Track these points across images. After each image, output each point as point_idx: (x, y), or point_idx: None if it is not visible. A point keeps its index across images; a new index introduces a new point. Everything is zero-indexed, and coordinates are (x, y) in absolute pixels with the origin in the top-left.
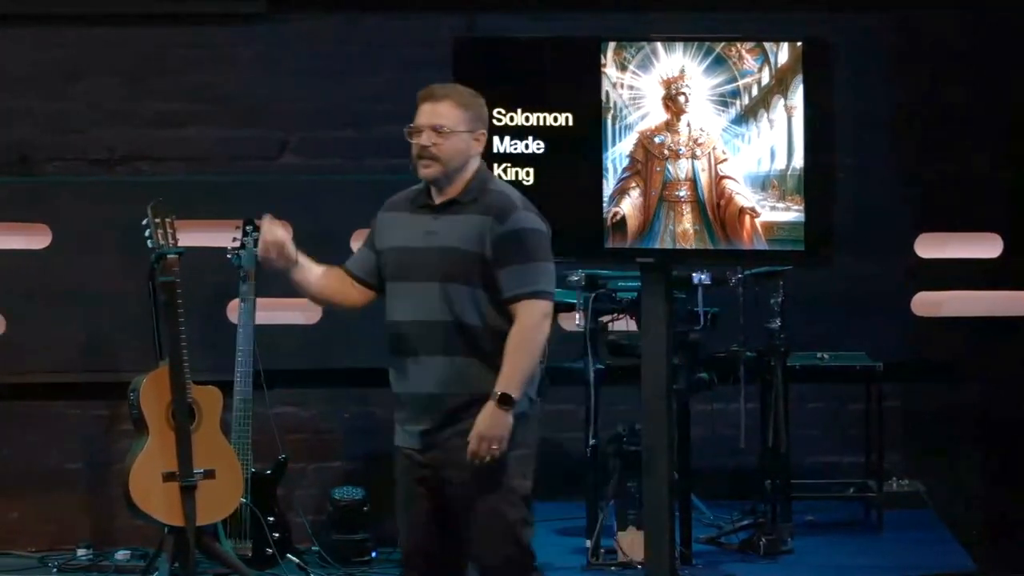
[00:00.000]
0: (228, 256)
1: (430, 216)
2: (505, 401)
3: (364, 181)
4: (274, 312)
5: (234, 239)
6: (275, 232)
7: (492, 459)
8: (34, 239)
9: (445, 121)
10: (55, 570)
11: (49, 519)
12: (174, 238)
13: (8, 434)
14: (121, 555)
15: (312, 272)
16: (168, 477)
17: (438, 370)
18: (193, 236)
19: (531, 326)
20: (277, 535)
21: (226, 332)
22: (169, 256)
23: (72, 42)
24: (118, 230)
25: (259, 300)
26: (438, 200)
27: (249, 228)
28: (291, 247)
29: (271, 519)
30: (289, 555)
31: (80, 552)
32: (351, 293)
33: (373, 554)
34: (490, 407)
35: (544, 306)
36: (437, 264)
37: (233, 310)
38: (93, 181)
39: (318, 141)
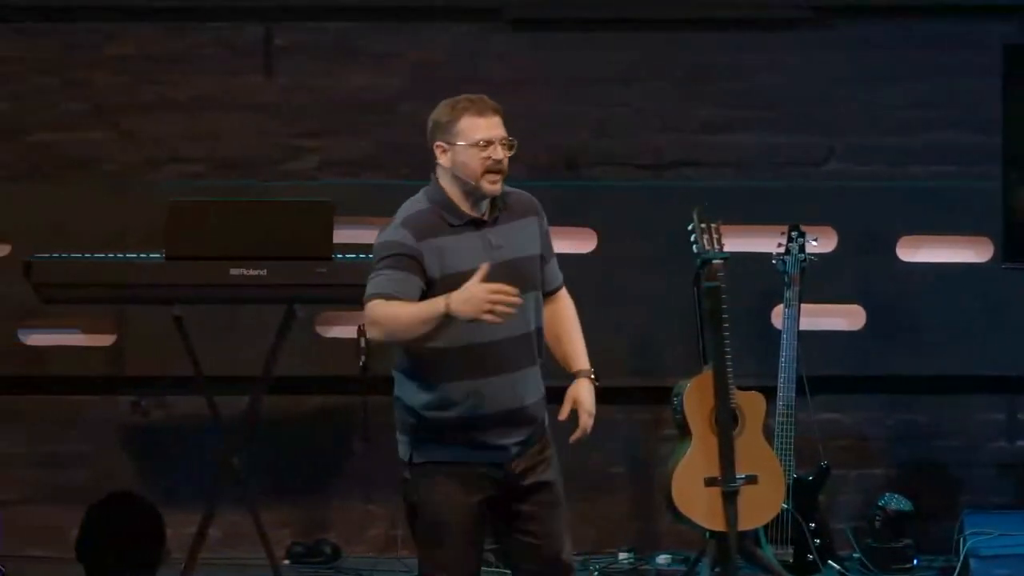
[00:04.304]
0: (773, 262)
1: (478, 232)
2: (595, 377)
3: (910, 188)
4: (818, 318)
5: (779, 244)
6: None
7: None
8: (581, 243)
9: (506, 134)
10: (596, 573)
11: (592, 522)
12: (720, 243)
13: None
14: (662, 559)
15: None
16: (710, 482)
17: (523, 381)
18: (738, 241)
19: (573, 306)
20: (818, 541)
21: (770, 338)
22: (714, 261)
23: (627, 46)
24: (664, 235)
25: (803, 306)
26: (478, 214)
27: (795, 234)
28: None
29: (812, 525)
30: (830, 561)
31: (621, 556)
32: None
33: (915, 561)
34: (588, 385)
35: None
36: (518, 276)
37: (777, 316)
38: (640, 186)
39: (864, 147)
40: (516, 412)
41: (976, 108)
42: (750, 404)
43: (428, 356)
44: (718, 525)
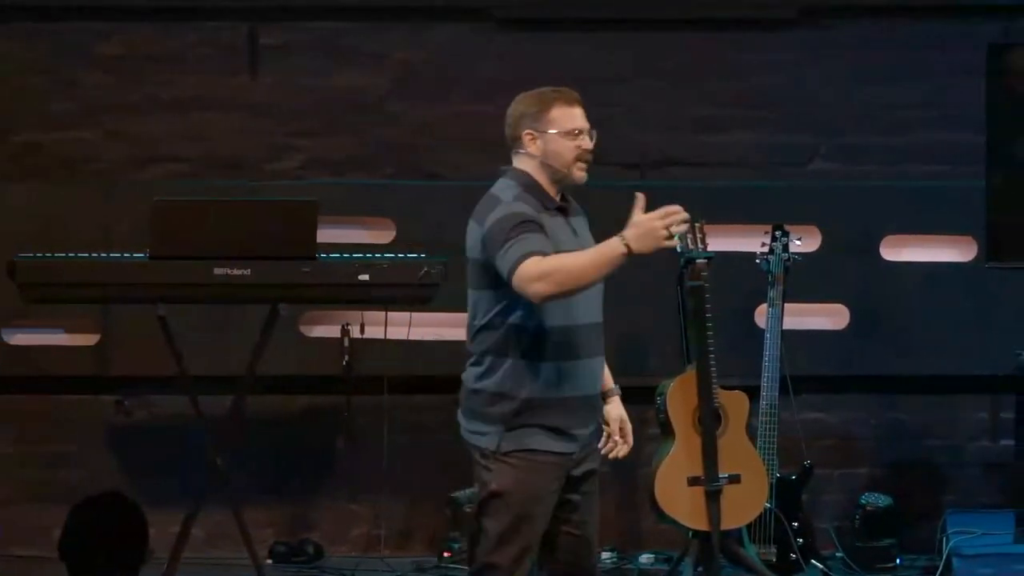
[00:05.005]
0: (757, 261)
1: (565, 218)
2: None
3: (899, 187)
4: (802, 317)
5: (763, 244)
6: None
7: None
8: None
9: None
10: None
11: None
12: (704, 243)
13: None
14: (645, 558)
15: None
16: (693, 481)
17: (599, 369)
18: (723, 241)
19: None
20: (801, 540)
21: (754, 337)
22: (698, 261)
23: (622, 46)
24: None
25: (787, 305)
26: (561, 202)
27: (778, 233)
28: None
29: (795, 524)
30: (813, 560)
31: (604, 555)
32: None
33: (898, 560)
34: (620, 403)
35: None
36: None
37: (761, 315)
38: (629, 185)
39: (852, 147)
40: (592, 399)
41: (964, 108)
42: (733, 403)
43: (528, 336)
44: (701, 524)
